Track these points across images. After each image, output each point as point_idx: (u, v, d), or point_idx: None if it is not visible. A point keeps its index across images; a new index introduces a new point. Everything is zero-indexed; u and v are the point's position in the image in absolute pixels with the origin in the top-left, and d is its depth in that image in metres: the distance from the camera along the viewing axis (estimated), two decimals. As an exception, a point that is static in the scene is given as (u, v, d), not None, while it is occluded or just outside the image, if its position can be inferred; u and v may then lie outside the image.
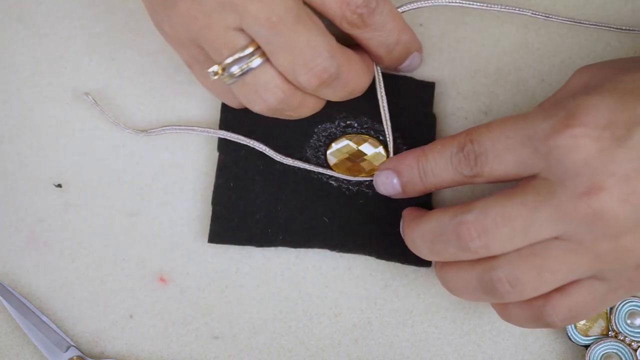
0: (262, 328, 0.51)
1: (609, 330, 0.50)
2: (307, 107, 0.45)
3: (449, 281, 0.46)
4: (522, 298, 0.44)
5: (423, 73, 0.52)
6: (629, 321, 0.50)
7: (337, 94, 0.45)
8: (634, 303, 0.50)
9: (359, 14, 0.44)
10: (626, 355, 0.49)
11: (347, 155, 0.50)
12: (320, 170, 0.50)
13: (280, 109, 0.44)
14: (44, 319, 0.50)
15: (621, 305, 0.50)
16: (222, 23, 0.42)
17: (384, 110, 0.49)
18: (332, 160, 0.50)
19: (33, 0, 0.53)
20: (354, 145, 0.50)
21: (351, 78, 0.45)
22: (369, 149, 0.50)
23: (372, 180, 0.50)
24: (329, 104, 0.50)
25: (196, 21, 0.42)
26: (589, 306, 0.44)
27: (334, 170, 0.50)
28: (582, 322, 0.50)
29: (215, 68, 0.43)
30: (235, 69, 0.43)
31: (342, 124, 0.50)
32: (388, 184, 0.49)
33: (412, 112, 0.51)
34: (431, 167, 0.46)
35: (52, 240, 0.51)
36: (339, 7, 0.43)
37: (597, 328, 0.50)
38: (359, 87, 0.46)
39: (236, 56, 0.42)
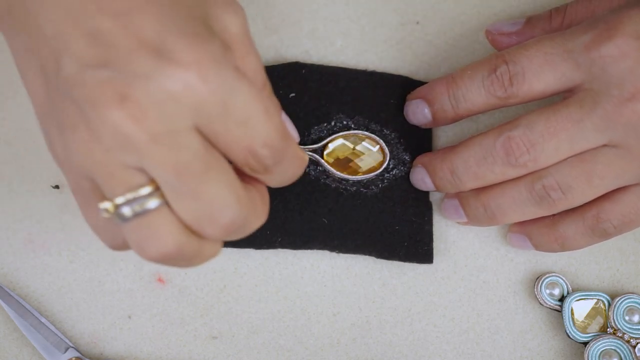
0: (261, 328, 0.51)
1: (608, 327, 0.50)
2: (202, 258, 0.40)
3: (493, 203, 0.47)
4: (572, 205, 0.46)
5: (419, 72, 0.52)
6: (627, 317, 0.50)
7: (238, 236, 0.41)
8: (633, 300, 0.50)
9: (264, 164, 0.39)
10: (625, 351, 0.49)
11: (343, 155, 0.50)
12: (319, 166, 0.50)
13: (174, 258, 0.39)
14: (43, 320, 0.50)
15: (620, 302, 0.50)
16: (120, 161, 0.36)
17: None
18: (328, 160, 0.50)
19: (29, 1, 0.53)
20: (350, 145, 0.50)
21: (254, 221, 0.41)
22: (366, 148, 0.50)
23: (369, 180, 0.50)
24: (326, 103, 0.50)
25: (92, 154, 0.37)
26: None
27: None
28: (581, 319, 0.50)
29: (107, 205, 0.37)
30: (126, 210, 0.37)
31: (339, 124, 0.50)
32: (419, 113, 0.49)
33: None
34: (462, 93, 0.47)
35: (50, 242, 0.51)
36: (244, 156, 0.38)
37: (596, 325, 0.50)
38: (258, 225, 0.41)
39: (129, 196, 0.37)
